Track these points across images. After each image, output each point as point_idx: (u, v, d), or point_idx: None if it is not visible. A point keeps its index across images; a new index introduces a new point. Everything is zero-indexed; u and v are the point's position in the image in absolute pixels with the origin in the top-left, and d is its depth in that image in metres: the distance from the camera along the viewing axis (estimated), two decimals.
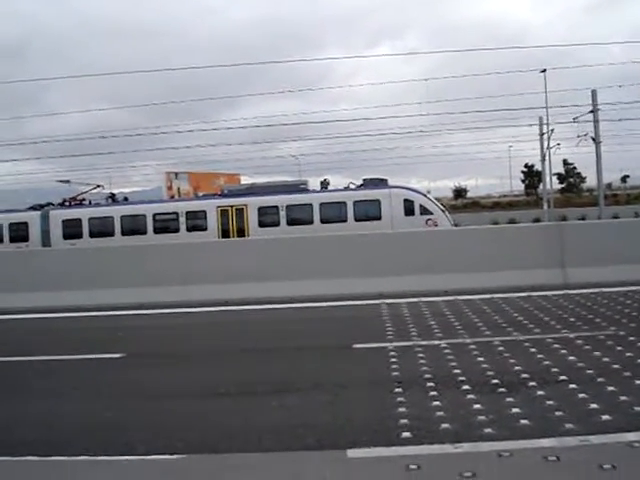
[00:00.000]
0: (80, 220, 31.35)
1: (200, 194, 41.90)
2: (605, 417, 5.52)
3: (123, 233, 30.60)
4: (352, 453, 5.10)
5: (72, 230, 30.89)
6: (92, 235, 30.68)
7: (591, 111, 43.36)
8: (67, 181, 39.82)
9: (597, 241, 13.53)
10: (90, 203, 34.29)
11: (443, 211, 30.60)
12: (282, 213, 30.16)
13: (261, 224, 30.17)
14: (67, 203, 34.28)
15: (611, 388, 6.31)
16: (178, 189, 50.01)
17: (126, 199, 36.01)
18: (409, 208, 29.47)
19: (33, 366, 8.94)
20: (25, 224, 31.61)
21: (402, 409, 6.02)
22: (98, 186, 38.47)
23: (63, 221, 31.51)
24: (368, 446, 5.21)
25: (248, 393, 7.05)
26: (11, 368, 8.96)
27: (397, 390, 6.64)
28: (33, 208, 33.26)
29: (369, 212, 29.57)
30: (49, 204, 34.26)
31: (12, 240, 30.99)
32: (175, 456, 5.24)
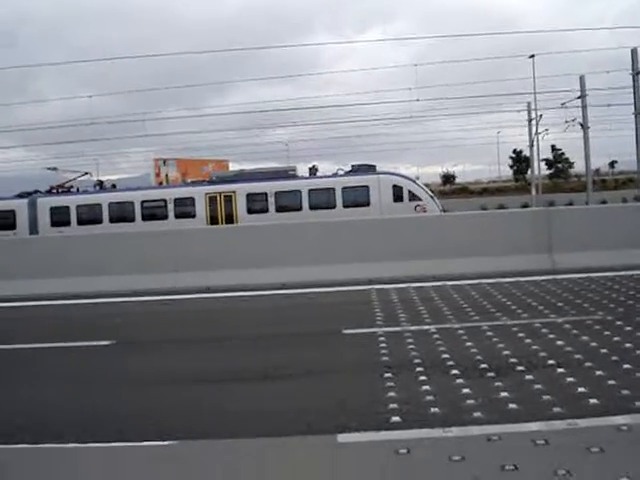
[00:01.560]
0: (68, 207, 31.18)
1: (188, 181, 41.77)
2: (593, 401, 5.57)
3: (111, 220, 30.49)
4: (342, 438, 5.12)
5: (60, 218, 30.72)
6: (80, 222, 30.53)
7: (579, 97, 43.39)
8: (54, 168, 39.54)
9: (585, 226, 13.60)
10: (78, 190, 34.09)
11: (432, 197, 30.63)
12: (271, 200, 30.10)
13: (250, 211, 30.12)
14: (55, 191, 34.11)
15: (599, 372, 6.36)
16: (166, 176, 49.89)
17: (114, 186, 35.85)
18: (398, 194, 29.47)
19: (21, 354, 8.94)
20: (12, 212, 31.37)
21: (392, 394, 6.05)
22: (86, 173, 38.28)
23: (51, 209, 31.34)
24: (358, 431, 5.24)
25: (238, 379, 7.07)
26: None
27: (387, 375, 6.67)
28: (20, 196, 33.05)
29: (358, 198, 29.56)
30: (36, 192, 34.03)
31: None
32: (166, 442, 5.25)
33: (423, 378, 6.50)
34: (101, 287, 13.13)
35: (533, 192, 53.97)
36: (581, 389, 5.88)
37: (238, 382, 6.98)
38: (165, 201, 30.87)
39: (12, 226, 30.78)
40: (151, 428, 5.63)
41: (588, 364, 6.68)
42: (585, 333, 7.97)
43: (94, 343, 9.04)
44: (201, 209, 30.51)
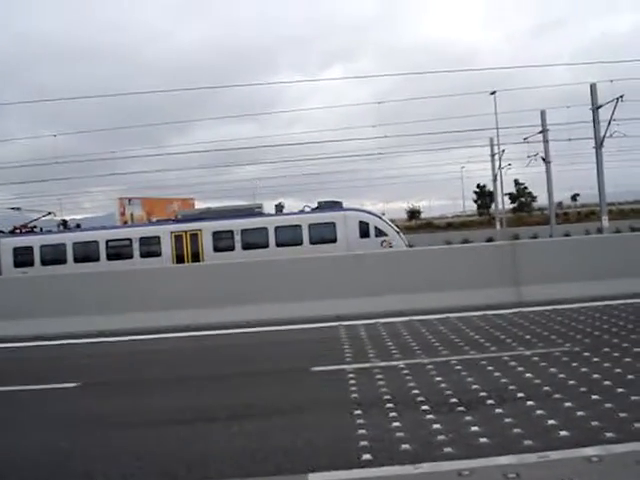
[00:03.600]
0: (32, 248, 30.84)
1: (154, 219, 41.57)
2: (563, 433, 5.58)
3: (76, 260, 30.18)
4: (313, 477, 5.07)
5: (23, 258, 30.38)
6: (44, 263, 30.20)
7: (541, 131, 44.09)
8: (18, 208, 39.15)
9: (550, 259, 13.74)
10: (41, 230, 33.75)
11: (397, 232, 30.77)
12: (237, 237, 30.04)
13: (216, 249, 30.01)
14: (18, 231, 33.73)
15: (568, 404, 6.38)
16: (131, 215, 49.53)
17: (78, 226, 35.57)
18: (364, 230, 29.59)
19: None
20: None
21: (362, 431, 6.01)
22: (49, 213, 37.95)
23: (14, 249, 30.96)
24: (329, 470, 5.19)
25: (207, 419, 6.97)
26: None
27: (357, 412, 6.62)
28: None
29: (324, 235, 29.62)
30: None
31: None
32: None
33: (393, 414, 6.47)
34: (66, 328, 12.95)
35: (497, 226, 54.61)
36: (551, 421, 5.89)
37: (206, 422, 6.88)
38: (130, 240, 30.67)
39: None
40: (117, 471, 5.52)
41: (557, 396, 6.70)
42: (553, 365, 8.01)
43: (59, 385, 8.88)
44: (167, 248, 30.35)
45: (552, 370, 7.78)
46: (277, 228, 30.21)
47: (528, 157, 47.61)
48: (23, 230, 33.85)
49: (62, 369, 10.33)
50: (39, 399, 8.46)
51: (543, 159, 44.32)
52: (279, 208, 33.27)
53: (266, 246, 29.54)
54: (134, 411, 7.59)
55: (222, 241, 30.28)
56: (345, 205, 31.92)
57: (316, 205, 32.21)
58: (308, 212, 31.69)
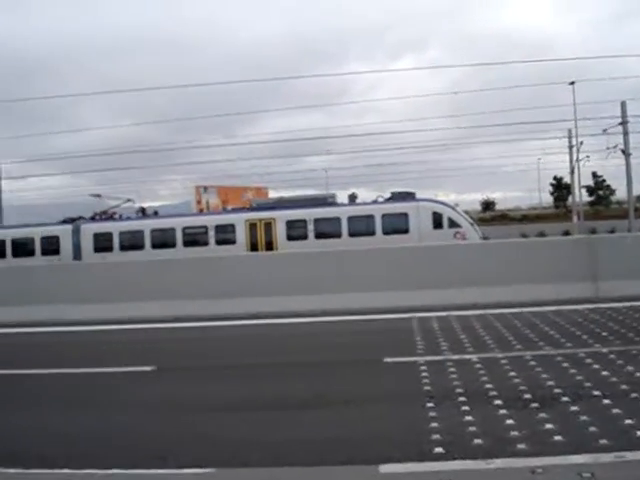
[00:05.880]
0: (111, 234, 31.59)
1: (229, 208, 42.05)
2: None
3: (153, 246, 30.77)
4: (384, 468, 5.09)
5: (103, 244, 31.14)
6: (123, 248, 30.90)
7: (621, 123, 42.94)
8: (98, 195, 40.16)
9: (629, 254, 13.41)
10: (121, 217, 34.54)
11: (471, 224, 30.37)
12: (310, 227, 30.12)
13: (289, 237, 30.18)
14: (98, 217, 34.60)
15: None
16: (207, 203, 50.32)
17: (156, 213, 36.24)
18: (437, 221, 29.31)
19: (64, 379, 9.05)
20: (56, 238, 31.85)
21: (434, 424, 6.01)
22: (129, 200, 38.77)
23: (94, 235, 31.76)
24: (400, 461, 5.21)
25: (280, 407, 7.07)
26: (42, 380, 9.06)
27: (429, 405, 6.62)
28: (65, 222, 33.53)
29: (397, 225, 29.44)
30: (80, 218, 34.55)
31: (44, 253, 31.23)
32: (206, 469, 5.27)
33: (466, 408, 6.44)
34: (145, 313, 13.30)
35: (574, 219, 53.45)
36: (628, 421, 5.77)
37: (278, 410, 6.98)
38: (206, 228, 31.11)
39: (56, 251, 31.25)
40: (193, 455, 5.65)
41: (635, 395, 6.56)
42: (631, 363, 7.83)
43: (138, 369, 9.13)
44: (241, 236, 30.65)
45: (629, 368, 7.61)
46: (350, 218, 30.16)
47: (607, 149, 46.44)
48: (103, 216, 34.70)
49: (139, 352, 10.61)
50: (117, 381, 8.71)
51: (622, 151, 43.19)
52: (352, 198, 33.23)
53: (339, 236, 29.53)
54: (209, 396, 7.74)
55: (295, 230, 30.41)
56: (418, 196, 31.68)
57: (389, 195, 32.05)
58: (381, 202, 31.55)
